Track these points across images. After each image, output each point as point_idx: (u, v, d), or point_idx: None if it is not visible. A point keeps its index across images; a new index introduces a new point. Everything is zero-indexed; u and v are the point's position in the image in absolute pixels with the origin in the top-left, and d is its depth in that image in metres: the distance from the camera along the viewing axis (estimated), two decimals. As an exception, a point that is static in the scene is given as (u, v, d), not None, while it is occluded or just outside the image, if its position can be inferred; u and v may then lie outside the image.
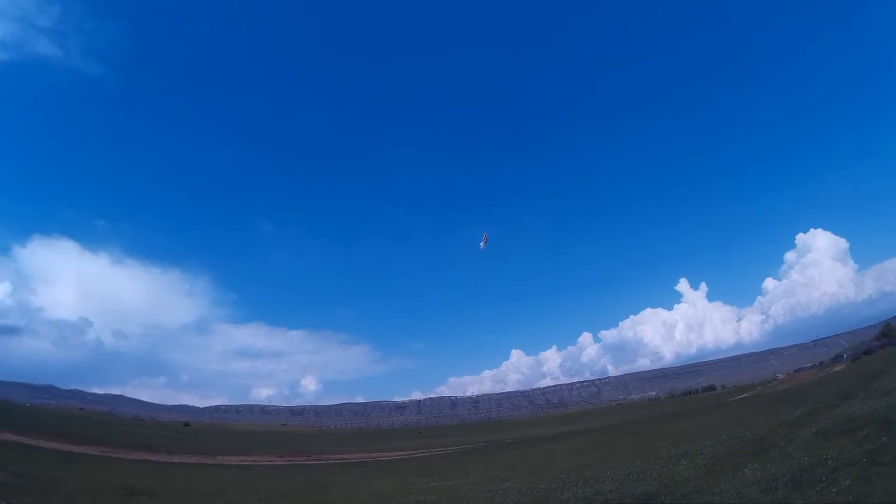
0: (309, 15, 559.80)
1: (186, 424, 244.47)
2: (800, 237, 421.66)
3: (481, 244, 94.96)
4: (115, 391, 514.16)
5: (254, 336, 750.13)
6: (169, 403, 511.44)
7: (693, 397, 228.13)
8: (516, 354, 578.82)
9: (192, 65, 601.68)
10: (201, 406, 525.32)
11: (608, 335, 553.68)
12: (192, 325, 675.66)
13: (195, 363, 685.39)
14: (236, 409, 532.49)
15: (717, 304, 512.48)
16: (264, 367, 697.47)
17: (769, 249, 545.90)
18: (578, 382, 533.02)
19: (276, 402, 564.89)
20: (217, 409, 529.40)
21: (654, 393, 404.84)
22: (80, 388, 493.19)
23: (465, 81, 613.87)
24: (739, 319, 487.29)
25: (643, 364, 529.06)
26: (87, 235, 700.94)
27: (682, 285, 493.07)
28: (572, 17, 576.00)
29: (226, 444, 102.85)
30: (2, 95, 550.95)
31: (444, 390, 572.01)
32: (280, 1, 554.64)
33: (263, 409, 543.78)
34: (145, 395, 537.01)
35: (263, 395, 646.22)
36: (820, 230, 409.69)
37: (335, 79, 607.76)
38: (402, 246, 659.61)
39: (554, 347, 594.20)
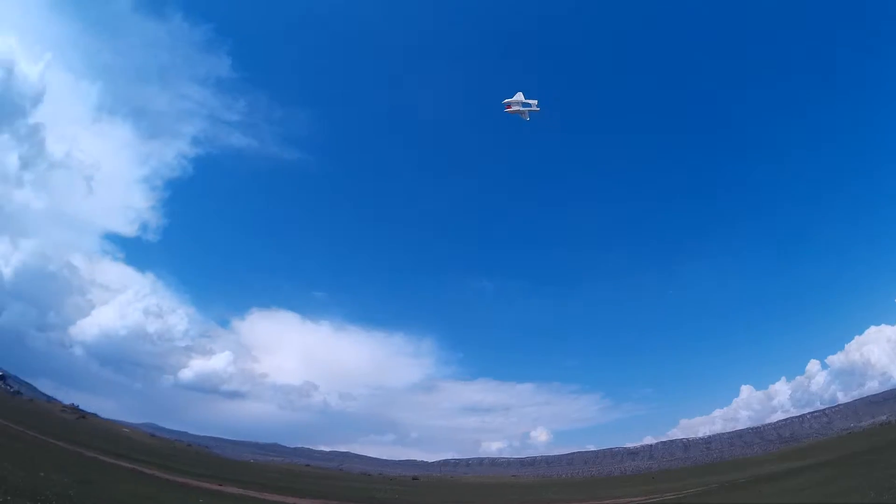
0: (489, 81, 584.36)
1: (415, 478, 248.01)
2: None
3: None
4: (343, 448, 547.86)
5: (482, 391, 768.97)
6: (397, 458, 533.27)
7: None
8: (746, 390, 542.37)
9: (388, 134, 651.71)
10: (430, 461, 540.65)
11: (835, 360, 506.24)
12: (419, 384, 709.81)
13: (423, 420, 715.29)
14: (466, 463, 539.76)
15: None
16: (493, 420, 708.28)
17: None
18: (809, 413, 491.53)
19: (507, 455, 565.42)
20: (446, 462, 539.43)
21: (884, 417, 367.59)
22: (306, 446, 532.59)
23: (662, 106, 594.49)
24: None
25: (872, 387, 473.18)
26: (306, 307, 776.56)
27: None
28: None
29: (453, 496, 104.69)
30: (207, 184, 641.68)
31: (676, 433, 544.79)
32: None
33: (493, 462, 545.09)
34: (373, 452, 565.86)
35: (494, 448, 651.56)
36: None
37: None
38: (621, 291, 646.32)
39: (783, 378, 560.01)
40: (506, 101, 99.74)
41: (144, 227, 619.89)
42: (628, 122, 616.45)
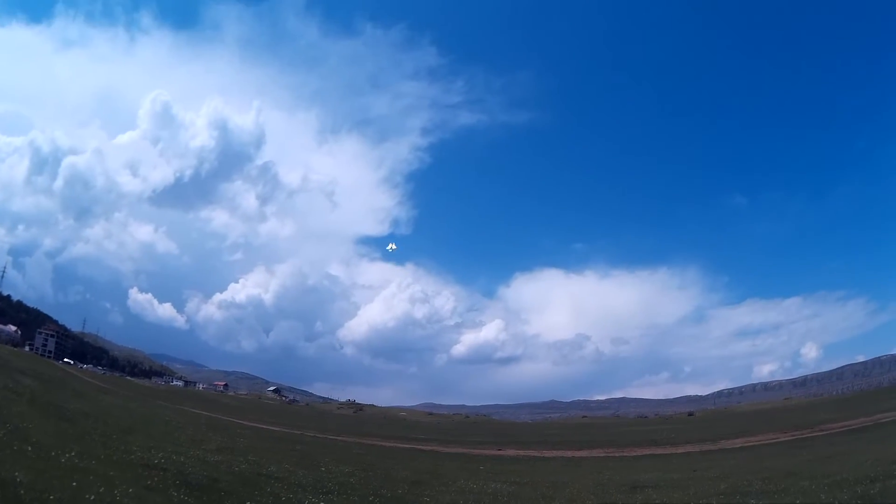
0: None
1: (690, 414, 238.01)
2: None
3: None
4: (618, 395, 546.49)
5: (750, 313, 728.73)
6: (672, 397, 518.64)
7: None
8: None
9: (614, 73, 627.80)
10: (704, 394, 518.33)
11: None
12: (689, 316, 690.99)
13: (695, 353, 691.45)
14: (739, 391, 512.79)
15: None
16: (763, 342, 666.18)
17: None
18: None
19: (778, 377, 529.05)
20: (720, 394, 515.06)
21: None
22: (581, 398, 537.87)
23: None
24: None
25: None
26: (567, 260, 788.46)
27: None
28: None
29: (729, 428, 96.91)
30: (447, 167, 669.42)
31: None
32: None
33: (765, 387, 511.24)
34: (648, 393, 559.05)
35: (765, 371, 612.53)
36: None
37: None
38: (881, 185, 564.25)
39: None
40: None
41: (395, 223, 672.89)
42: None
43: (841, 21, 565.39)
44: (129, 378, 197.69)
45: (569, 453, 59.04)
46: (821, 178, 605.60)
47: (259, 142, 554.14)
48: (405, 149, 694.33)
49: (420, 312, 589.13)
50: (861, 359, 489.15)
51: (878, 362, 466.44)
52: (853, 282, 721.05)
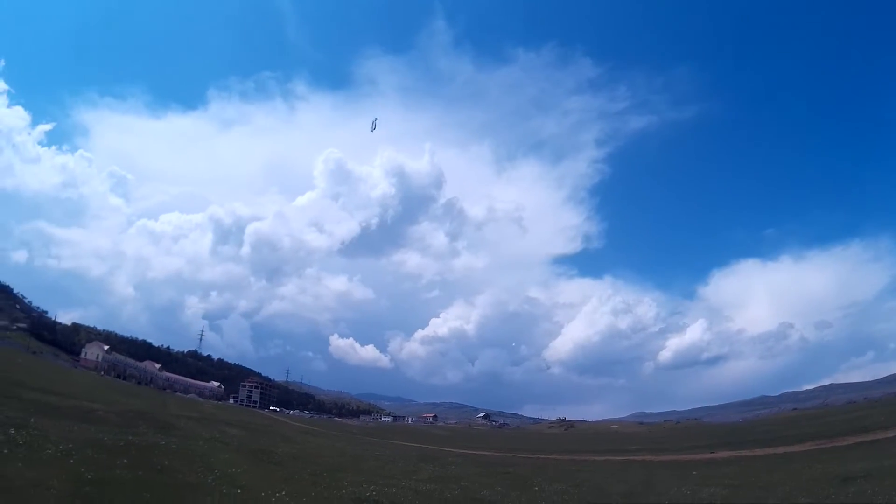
0: None
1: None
2: None
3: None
4: (826, 382, 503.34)
5: None
6: (879, 377, 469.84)
7: None
8: None
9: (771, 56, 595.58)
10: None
11: None
12: (888, 288, 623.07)
13: None
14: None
15: None
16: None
17: None
18: None
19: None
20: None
21: None
22: (790, 390, 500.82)
23: None
24: None
25: None
26: (761, 248, 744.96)
27: None
28: None
29: None
30: (627, 174, 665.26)
31: None
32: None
33: None
34: (855, 377, 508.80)
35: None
36: None
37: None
38: None
39: None
40: None
41: (586, 238, 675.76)
42: None
43: None
44: (336, 419, 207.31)
45: (780, 450, 58.99)
46: None
47: (439, 181, 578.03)
48: (583, 164, 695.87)
49: (623, 323, 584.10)
50: None
51: None
52: None
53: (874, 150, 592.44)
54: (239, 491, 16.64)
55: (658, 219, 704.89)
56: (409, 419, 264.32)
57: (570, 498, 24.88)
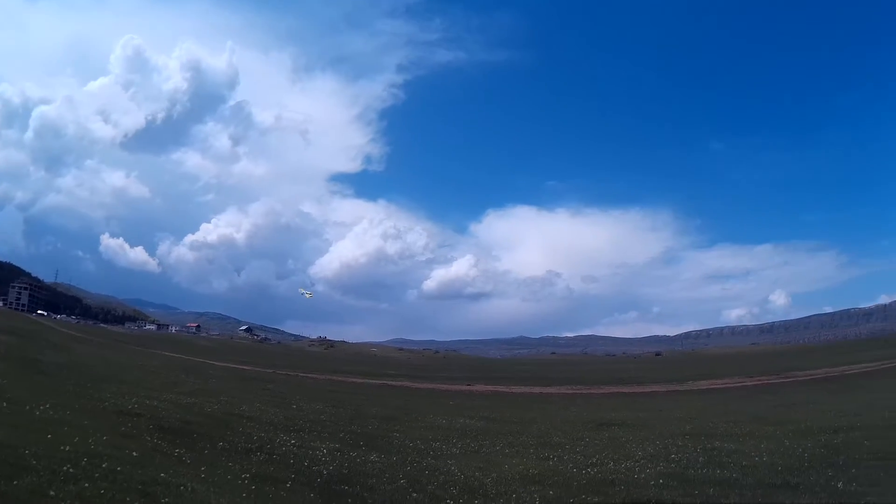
0: None
1: (657, 354, 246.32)
2: None
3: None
4: (586, 332, 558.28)
5: (720, 257, 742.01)
6: (640, 336, 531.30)
7: None
8: None
9: (595, 18, 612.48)
10: (672, 335, 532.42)
11: None
12: (659, 257, 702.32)
13: (665, 294, 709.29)
14: (706, 334, 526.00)
15: None
16: (733, 287, 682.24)
17: None
18: None
19: (746, 322, 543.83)
20: (688, 335, 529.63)
21: None
22: (550, 335, 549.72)
23: None
24: None
25: None
26: (540, 198, 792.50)
27: None
28: None
29: (696, 370, 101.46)
30: (422, 104, 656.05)
31: None
32: None
33: (733, 331, 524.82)
34: (616, 332, 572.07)
35: (733, 316, 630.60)
36: None
37: None
38: (859, 136, 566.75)
39: None
40: None
41: (367, 159, 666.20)
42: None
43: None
44: (102, 326, 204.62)
45: (537, 390, 60.54)
46: (804, 130, 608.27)
47: (233, 82, 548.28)
48: (380, 86, 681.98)
49: (392, 248, 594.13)
50: (828, 310, 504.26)
51: (845, 315, 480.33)
52: (826, 234, 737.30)
53: (670, 127, 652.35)
54: (5, 404, 14.42)
55: (442, 152, 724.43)
56: (173, 328, 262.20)
57: (329, 418, 25.26)
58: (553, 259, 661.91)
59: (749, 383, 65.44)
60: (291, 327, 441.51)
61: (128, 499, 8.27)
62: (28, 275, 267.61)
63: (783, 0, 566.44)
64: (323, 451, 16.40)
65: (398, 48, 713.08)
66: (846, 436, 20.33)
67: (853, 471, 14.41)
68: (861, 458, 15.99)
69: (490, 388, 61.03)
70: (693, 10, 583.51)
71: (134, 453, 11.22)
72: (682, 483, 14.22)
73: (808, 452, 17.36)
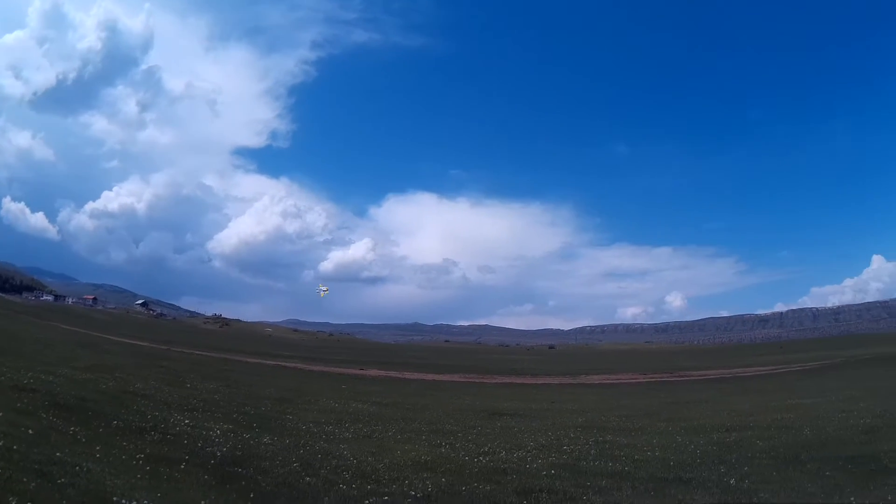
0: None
1: (551, 347, 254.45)
2: None
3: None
4: (481, 322, 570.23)
5: (619, 257, 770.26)
6: (534, 328, 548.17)
7: None
8: (877, 260, 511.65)
9: (516, 11, 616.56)
10: (566, 329, 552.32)
11: None
12: (557, 252, 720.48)
13: (561, 288, 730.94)
14: (601, 330, 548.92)
15: None
16: (629, 286, 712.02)
17: None
18: None
19: (641, 321, 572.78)
20: (582, 330, 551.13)
21: None
22: (445, 323, 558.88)
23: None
24: None
25: None
26: (443, 185, 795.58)
27: None
28: None
29: (589, 365, 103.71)
30: (332, 83, 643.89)
31: (807, 301, 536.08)
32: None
33: (628, 328, 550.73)
34: (511, 323, 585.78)
35: (629, 314, 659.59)
36: None
37: None
38: (764, 151, 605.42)
39: None
40: None
41: (273, 135, 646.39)
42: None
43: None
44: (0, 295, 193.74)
45: (430, 377, 61.12)
46: (712, 141, 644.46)
47: (146, 45, 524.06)
48: (292, 61, 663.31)
49: (291, 227, 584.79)
50: (724, 314, 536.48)
51: (740, 320, 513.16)
52: (726, 241, 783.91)
53: (578, 126, 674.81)
54: None
55: (349, 133, 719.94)
56: (70, 299, 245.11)
57: (222, 398, 25.06)
58: (451, 247, 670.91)
59: (642, 380, 66.75)
60: (188, 303, 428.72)
61: (24, 479, 8.26)
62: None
63: (697, 13, 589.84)
64: (216, 432, 16.26)
65: (315, 24, 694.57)
66: (739, 435, 20.93)
67: (745, 468, 15.00)
68: (754, 457, 16.57)
69: (383, 373, 61.60)
70: (610, 12, 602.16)
71: (30, 431, 11.29)
72: (574, 474, 14.56)
73: (700, 449, 17.85)
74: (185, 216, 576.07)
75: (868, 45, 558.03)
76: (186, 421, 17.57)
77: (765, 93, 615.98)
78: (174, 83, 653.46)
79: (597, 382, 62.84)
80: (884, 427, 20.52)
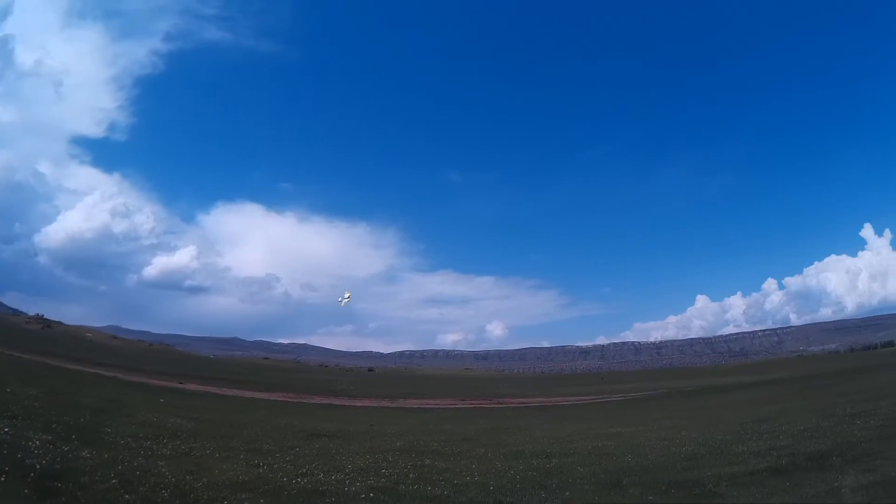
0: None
1: (370, 370, 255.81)
2: None
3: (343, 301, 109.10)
4: (301, 340, 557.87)
5: (442, 283, 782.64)
6: (354, 350, 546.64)
7: (872, 353, 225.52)
8: (701, 300, 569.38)
9: (368, 30, 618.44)
10: (386, 352, 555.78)
11: (792, 282, 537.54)
12: (381, 274, 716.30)
13: (383, 311, 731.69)
14: (421, 355, 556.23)
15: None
16: (451, 313, 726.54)
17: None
18: (761, 331, 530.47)
19: (461, 347, 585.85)
20: (402, 354, 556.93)
21: (834, 346, 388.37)
22: (265, 339, 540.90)
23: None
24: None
25: (825, 314, 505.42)
26: (271, 198, 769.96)
27: (867, 231, 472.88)
28: None
29: (409, 389, 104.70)
30: (178, 80, 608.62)
31: (629, 335, 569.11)
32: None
33: (448, 354, 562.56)
34: (331, 343, 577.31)
35: (449, 340, 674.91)
36: None
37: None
38: (595, 190, 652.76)
39: (739, 294, 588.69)
40: None
41: (112, 126, 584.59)
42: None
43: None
44: None
45: (248, 394, 60.48)
46: (543, 173, 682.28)
47: (5, 12, 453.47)
48: (143, 51, 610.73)
49: (118, 227, 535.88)
50: (545, 345, 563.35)
51: (561, 350, 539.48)
52: (549, 274, 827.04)
53: (409, 150, 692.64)
54: None
55: (186, 133, 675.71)
56: None
57: (42, 406, 23.34)
58: (275, 262, 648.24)
59: (462, 405, 67.89)
60: (11, 300, 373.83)
61: None
62: None
63: (543, 41, 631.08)
64: (36, 443, 15.59)
65: (172, 15, 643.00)
66: (560, 461, 21.21)
67: (567, 493, 15.43)
68: (574, 482, 16.99)
69: (202, 387, 60.43)
70: (461, 37, 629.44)
71: None
72: (392, 498, 14.71)
73: (520, 475, 18.13)
74: (15, 204, 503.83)
75: (705, 90, 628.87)
76: (6, 429, 16.83)
77: (599, 132, 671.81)
78: (25, 57, 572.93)
79: (416, 406, 63.72)
80: (706, 454, 21.36)
